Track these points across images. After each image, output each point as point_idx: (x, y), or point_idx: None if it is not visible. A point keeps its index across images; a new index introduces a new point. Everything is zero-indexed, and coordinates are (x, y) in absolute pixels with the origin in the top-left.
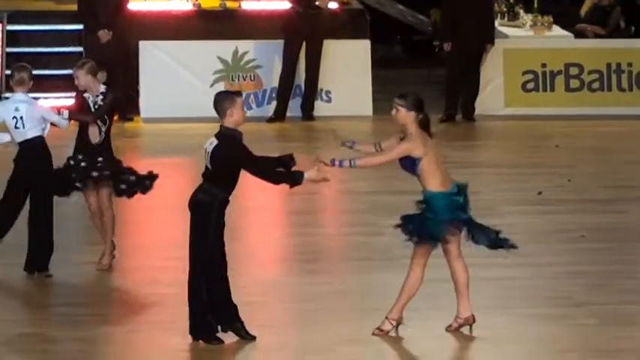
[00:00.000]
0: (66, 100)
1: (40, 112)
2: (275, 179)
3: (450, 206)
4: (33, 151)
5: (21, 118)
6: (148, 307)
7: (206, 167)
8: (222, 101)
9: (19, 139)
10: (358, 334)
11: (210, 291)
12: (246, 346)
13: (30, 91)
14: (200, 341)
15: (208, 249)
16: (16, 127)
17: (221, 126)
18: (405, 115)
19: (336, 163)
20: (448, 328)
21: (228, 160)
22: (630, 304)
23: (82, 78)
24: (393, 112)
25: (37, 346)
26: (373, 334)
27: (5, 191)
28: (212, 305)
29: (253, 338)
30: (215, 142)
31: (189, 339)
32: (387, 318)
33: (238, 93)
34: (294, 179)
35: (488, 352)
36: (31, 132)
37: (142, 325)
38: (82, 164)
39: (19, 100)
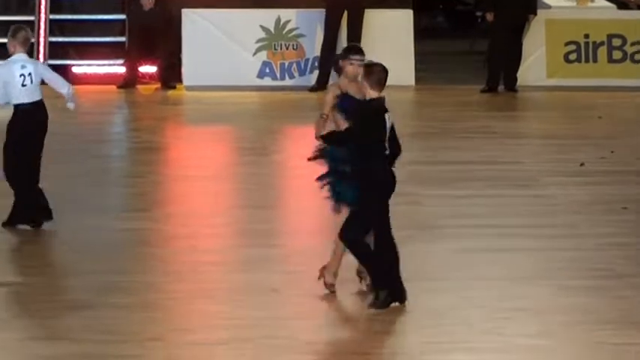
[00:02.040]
0: (108, 67)
1: (44, 72)
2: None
3: None
4: (43, 109)
5: (29, 74)
6: (189, 275)
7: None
8: (377, 73)
9: (28, 98)
10: (394, 304)
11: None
12: (288, 314)
13: (73, 57)
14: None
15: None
16: (23, 85)
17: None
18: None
19: None
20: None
21: None
22: None
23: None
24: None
25: (78, 313)
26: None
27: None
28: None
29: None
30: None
31: (230, 306)
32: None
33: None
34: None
35: (528, 322)
36: (38, 91)
37: (182, 293)
38: None
39: (24, 60)
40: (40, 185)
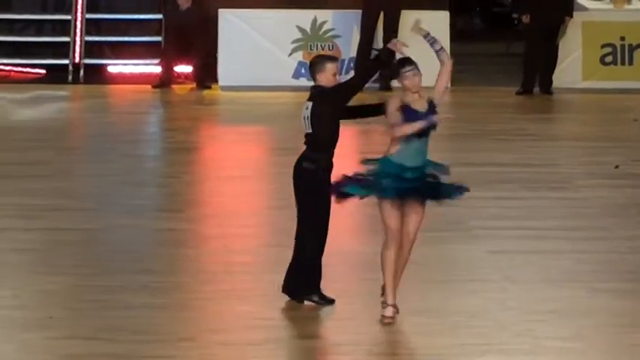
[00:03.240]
0: (144, 66)
1: None
2: (367, 71)
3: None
4: None
5: None
6: (222, 275)
7: (306, 135)
8: (313, 65)
9: None
10: (426, 305)
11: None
12: (321, 315)
13: (108, 57)
14: (304, 302)
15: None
16: None
17: (311, 87)
18: None
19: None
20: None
21: (330, 110)
22: None
23: None
24: (417, 79)
25: (113, 312)
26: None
27: None
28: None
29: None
30: (309, 104)
31: (262, 307)
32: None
33: (332, 58)
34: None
35: (560, 325)
36: None
37: (216, 293)
38: None
39: None
40: (73, 184)
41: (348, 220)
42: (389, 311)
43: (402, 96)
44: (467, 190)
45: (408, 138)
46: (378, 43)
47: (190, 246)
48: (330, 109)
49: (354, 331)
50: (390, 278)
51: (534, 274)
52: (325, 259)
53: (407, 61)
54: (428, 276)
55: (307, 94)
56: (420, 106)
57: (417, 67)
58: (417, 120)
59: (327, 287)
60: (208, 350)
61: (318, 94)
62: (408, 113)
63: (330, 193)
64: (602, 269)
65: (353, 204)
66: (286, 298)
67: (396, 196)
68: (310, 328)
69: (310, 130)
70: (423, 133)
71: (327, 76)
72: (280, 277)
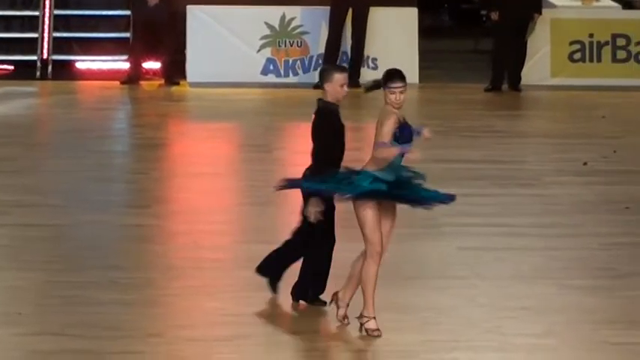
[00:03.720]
0: (112, 62)
1: None
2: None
3: None
4: None
5: None
6: (190, 271)
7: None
8: (321, 74)
9: None
10: (396, 302)
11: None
12: (289, 311)
13: (77, 53)
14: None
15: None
16: None
17: (318, 100)
18: None
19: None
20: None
21: (325, 128)
22: None
23: None
24: (402, 97)
25: (82, 309)
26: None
27: None
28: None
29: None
30: (313, 116)
31: (230, 303)
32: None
33: (341, 68)
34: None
35: (530, 321)
36: None
37: (184, 289)
38: None
39: None
40: (41, 180)
41: None
42: (374, 324)
43: (393, 111)
44: (452, 198)
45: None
46: (347, 39)
47: (159, 242)
48: (325, 127)
49: (322, 327)
50: (372, 292)
51: (504, 271)
52: None
53: (398, 75)
54: (398, 273)
55: (275, 91)
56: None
57: (406, 85)
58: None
59: (292, 284)
60: (176, 346)
61: (318, 109)
62: (405, 131)
63: (332, 203)
64: (572, 266)
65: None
66: (254, 293)
67: (382, 196)
68: (278, 324)
69: (312, 143)
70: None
71: (335, 87)
72: (249, 273)
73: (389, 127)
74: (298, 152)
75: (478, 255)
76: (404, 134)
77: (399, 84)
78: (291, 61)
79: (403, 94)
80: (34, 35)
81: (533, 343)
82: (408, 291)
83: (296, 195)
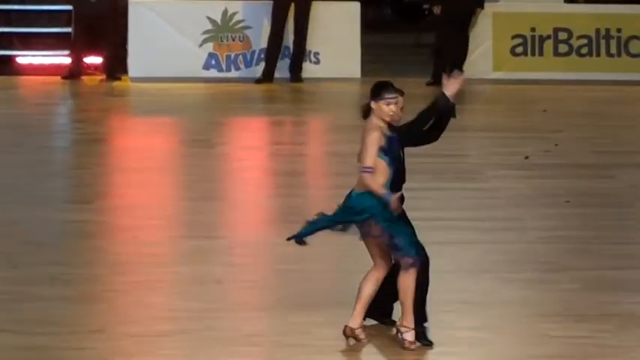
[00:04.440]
0: (54, 57)
1: None
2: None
3: None
4: None
5: None
6: (132, 267)
7: None
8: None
9: None
10: (337, 296)
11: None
12: (231, 308)
13: (17, 48)
14: None
15: None
16: None
17: None
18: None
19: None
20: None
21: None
22: (614, 270)
23: None
24: (398, 108)
25: (23, 305)
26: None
27: None
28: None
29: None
30: None
31: (171, 298)
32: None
33: (390, 88)
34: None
35: (471, 315)
36: None
37: (126, 285)
38: None
39: None
40: None
41: (258, 212)
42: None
43: (377, 126)
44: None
45: (391, 167)
46: (289, 34)
47: (101, 238)
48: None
49: (265, 322)
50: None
51: (445, 265)
52: (235, 250)
53: (392, 87)
54: (339, 267)
55: (217, 86)
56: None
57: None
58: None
59: (239, 279)
60: (118, 342)
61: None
62: (393, 144)
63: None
64: (511, 260)
65: (263, 195)
66: (195, 288)
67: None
68: (220, 319)
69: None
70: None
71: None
72: (190, 268)
73: (373, 147)
74: (240, 147)
75: None
76: (392, 147)
77: (395, 94)
78: (233, 56)
79: (398, 106)
80: None
81: (474, 337)
82: (349, 284)
83: (237, 190)
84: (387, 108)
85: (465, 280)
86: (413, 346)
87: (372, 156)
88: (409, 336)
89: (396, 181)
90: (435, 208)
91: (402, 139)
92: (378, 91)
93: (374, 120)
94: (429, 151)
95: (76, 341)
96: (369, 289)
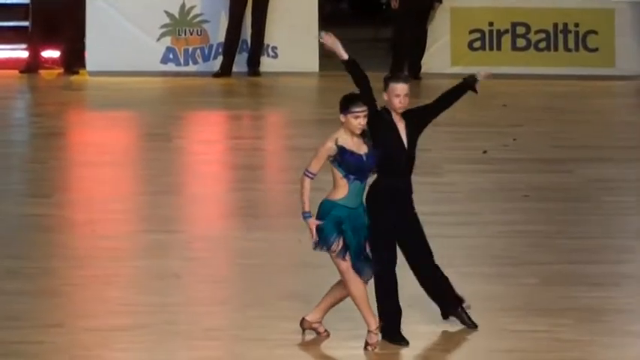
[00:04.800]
0: (11, 51)
1: None
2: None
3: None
4: None
5: None
6: (89, 261)
7: None
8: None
9: None
10: (293, 290)
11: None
12: (191, 301)
13: None
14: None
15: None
16: None
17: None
18: None
19: None
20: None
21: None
22: (572, 264)
23: None
24: (365, 121)
25: None
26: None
27: None
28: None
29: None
30: None
31: (129, 292)
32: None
33: (357, 101)
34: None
35: (429, 309)
36: None
37: (84, 279)
38: None
39: None
40: None
41: (217, 206)
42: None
43: (333, 137)
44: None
45: (351, 180)
46: (247, 28)
47: (58, 231)
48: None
49: (224, 316)
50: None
51: (402, 259)
52: (194, 244)
53: (360, 100)
54: (298, 262)
55: (175, 80)
56: (358, 148)
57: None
58: (359, 161)
59: (198, 273)
60: (76, 336)
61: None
62: (349, 158)
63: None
64: (470, 254)
65: (222, 189)
66: (153, 282)
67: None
68: (179, 314)
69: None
70: (364, 176)
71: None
72: (148, 263)
73: (321, 155)
74: (198, 141)
75: None
76: (346, 160)
77: (362, 108)
78: (190, 50)
79: (365, 119)
80: None
81: (433, 331)
82: (309, 279)
83: (195, 184)
84: (356, 121)
85: None
86: (371, 348)
87: (317, 163)
88: (370, 338)
89: (397, 172)
90: None
91: (419, 119)
92: (347, 104)
93: (341, 131)
94: None
95: (35, 335)
96: (340, 293)
